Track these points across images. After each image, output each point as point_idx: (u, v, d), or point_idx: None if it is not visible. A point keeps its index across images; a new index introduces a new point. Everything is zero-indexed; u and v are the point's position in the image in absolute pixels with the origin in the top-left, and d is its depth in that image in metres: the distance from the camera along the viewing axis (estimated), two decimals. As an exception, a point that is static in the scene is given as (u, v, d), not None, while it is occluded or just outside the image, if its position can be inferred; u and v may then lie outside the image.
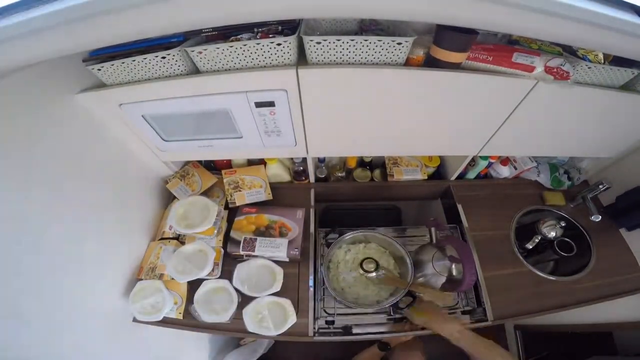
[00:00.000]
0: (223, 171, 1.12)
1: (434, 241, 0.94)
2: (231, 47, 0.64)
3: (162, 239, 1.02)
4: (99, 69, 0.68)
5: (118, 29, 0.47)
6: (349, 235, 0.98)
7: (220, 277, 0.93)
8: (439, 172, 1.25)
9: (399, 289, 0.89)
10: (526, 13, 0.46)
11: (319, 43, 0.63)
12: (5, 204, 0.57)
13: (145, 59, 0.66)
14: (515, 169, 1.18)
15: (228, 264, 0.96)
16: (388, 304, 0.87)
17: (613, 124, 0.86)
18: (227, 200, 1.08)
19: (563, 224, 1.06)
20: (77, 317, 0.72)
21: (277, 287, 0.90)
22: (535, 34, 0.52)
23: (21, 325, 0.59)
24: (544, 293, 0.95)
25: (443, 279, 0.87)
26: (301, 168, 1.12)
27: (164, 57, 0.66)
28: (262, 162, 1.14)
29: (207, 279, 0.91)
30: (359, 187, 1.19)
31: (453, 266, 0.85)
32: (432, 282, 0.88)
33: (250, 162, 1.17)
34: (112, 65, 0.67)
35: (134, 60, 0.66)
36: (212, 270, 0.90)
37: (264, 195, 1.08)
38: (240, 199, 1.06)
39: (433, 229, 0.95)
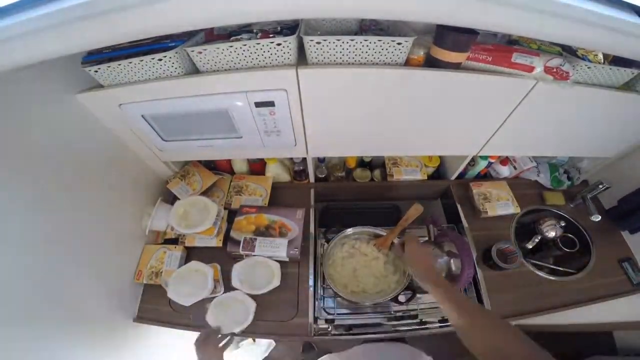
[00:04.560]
0: (233, 176, 1.16)
1: (432, 238, 0.94)
2: (231, 47, 0.64)
3: (164, 240, 1.03)
4: (96, 71, 0.68)
5: (117, 28, 0.47)
6: (348, 232, 0.98)
7: (223, 283, 0.93)
8: (439, 172, 1.25)
9: (400, 282, 0.88)
10: (526, 13, 0.46)
11: (318, 43, 0.63)
12: (3, 201, 0.57)
13: (141, 61, 0.66)
14: (515, 168, 1.18)
15: (228, 263, 0.96)
16: (388, 297, 0.87)
17: (613, 124, 0.86)
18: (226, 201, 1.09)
19: (563, 224, 1.06)
20: (76, 317, 0.73)
21: (276, 282, 0.90)
22: (535, 34, 0.52)
23: (19, 327, 0.59)
24: (544, 293, 0.95)
25: (442, 274, 0.87)
26: (301, 168, 1.13)
27: (160, 59, 0.66)
28: (262, 161, 1.14)
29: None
30: (359, 187, 1.19)
31: (452, 261, 0.85)
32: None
33: (250, 162, 1.17)
34: (109, 67, 0.67)
35: (130, 62, 0.66)
36: (215, 287, 0.91)
37: (260, 203, 1.09)
38: (236, 202, 1.08)
39: (431, 226, 0.96)
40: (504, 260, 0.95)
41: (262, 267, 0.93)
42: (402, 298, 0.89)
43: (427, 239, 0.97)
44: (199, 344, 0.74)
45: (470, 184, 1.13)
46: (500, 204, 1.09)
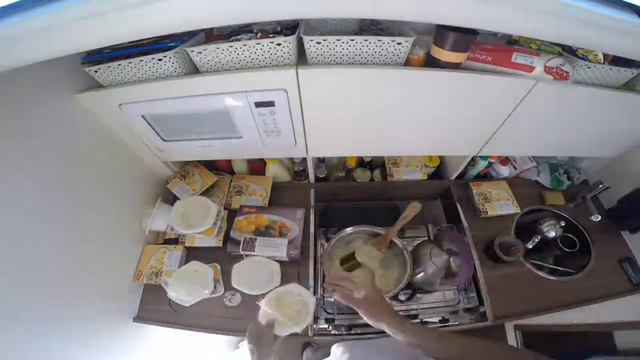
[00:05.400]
0: (233, 176, 1.16)
1: (432, 237, 0.95)
2: (231, 47, 0.64)
3: (165, 240, 1.03)
4: (96, 71, 0.68)
5: (118, 28, 0.47)
6: (348, 231, 0.98)
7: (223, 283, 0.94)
8: (439, 172, 1.25)
9: (399, 280, 0.88)
10: (526, 13, 0.46)
11: (318, 43, 0.63)
12: (3, 200, 0.57)
13: (141, 61, 0.66)
14: (515, 168, 1.18)
15: (228, 263, 0.96)
16: (387, 295, 0.87)
17: (613, 124, 0.86)
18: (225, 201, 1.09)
19: (563, 224, 1.06)
20: (76, 317, 0.72)
21: (276, 282, 0.89)
22: (535, 34, 0.52)
23: (18, 327, 0.59)
24: (544, 293, 0.95)
25: (442, 273, 0.87)
26: (301, 168, 1.13)
27: (160, 59, 0.66)
28: (262, 161, 1.14)
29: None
30: (359, 187, 1.19)
31: (451, 259, 0.85)
32: (432, 278, 0.88)
33: (250, 162, 1.17)
34: (109, 67, 0.67)
35: (130, 63, 0.66)
36: (215, 287, 0.90)
37: (260, 203, 1.09)
38: (236, 202, 1.08)
39: (430, 225, 0.96)
40: (506, 253, 0.95)
41: (262, 267, 0.93)
42: (402, 297, 0.90)
43: (426, 238, 0.97)
44: (254, 340, 0.62)
45: (470, 184, 1.13)
46: (500, 204, 1.10)
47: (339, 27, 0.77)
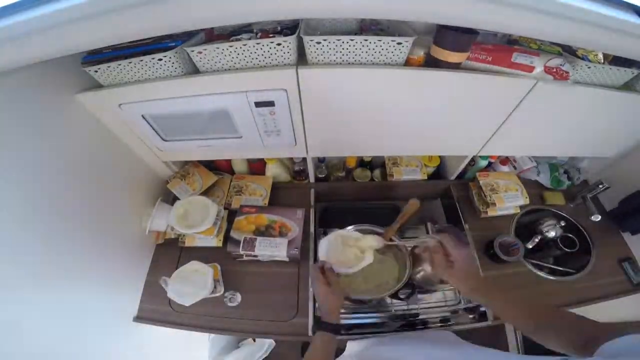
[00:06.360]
0: (233, 176, 1.16)
1: (430, 235, 0.95)
2: (231, 47, 0.64)
3: (165, 240, 1.03)
4: (96, 71, 0.68)
5: (117, 28, 0.47)
6: (348, 230, 0.98)
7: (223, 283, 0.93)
8: (439, 172, 1.25)
9: (400, 279, 0.88)
10: (526, 13, 0.46)
11: (318, 43, 0.63)
12: (3, 200, 0.57)
13: (141, 61, 0.66)
14: (515, 168, 1.18)
15: (228, 263, 0.96)
16: (387, 293, 0.87)
17: (613, 123, 0.86)
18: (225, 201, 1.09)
19: (563, 224, 1.06)
20: (75, 317, 0.73)
21: (369, 259, 0.76)
22: (535, 34, 0.52)
23: (17, 325, 0.59)
24: (544, 293, 0.95)
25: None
26: (301, 168, 1.13)
27: (160, 59, 0.66)
28: (261, 161, 1.14)
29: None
30: (359, 187, 1.19)
31: None
32: (431, 277, 0.88)
33: (250, 162, 1.17)
34: (109, 67, 0.67)
35: (130, 63, 0.66)
36: (215, 287, 0.90)
37: (260, 203, 1.09)
38: (236, 202, 1.08)
39: (429, 224, 0.96)
40: (506, 253, 0.95)
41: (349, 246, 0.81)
42: (401, 295, 0.89)
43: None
44: (318, 275, 0.69)
45: (477, 174, 1.10)
46: (509, 195, 1.06)
47: (339, 27, 0.77)
